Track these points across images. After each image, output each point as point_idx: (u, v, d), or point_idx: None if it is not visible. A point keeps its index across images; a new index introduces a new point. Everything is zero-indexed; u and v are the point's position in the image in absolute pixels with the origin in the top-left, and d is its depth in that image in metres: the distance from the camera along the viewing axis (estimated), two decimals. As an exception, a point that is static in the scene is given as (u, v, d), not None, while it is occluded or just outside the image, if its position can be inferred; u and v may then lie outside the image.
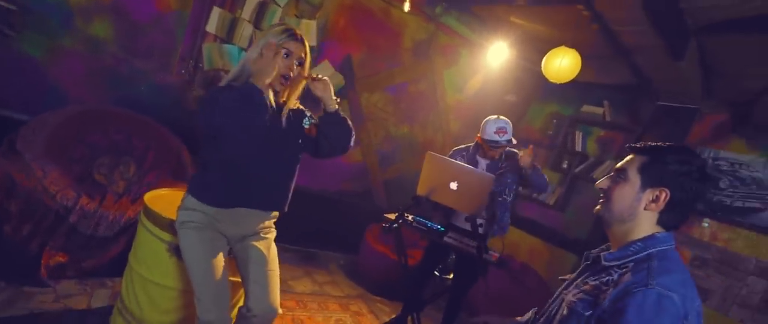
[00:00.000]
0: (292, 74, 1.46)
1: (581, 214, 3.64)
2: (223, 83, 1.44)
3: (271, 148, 1.50)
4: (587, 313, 0.94)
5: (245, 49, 3.11)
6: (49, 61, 2.57)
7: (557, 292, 1.13)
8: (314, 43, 3.35)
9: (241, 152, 1.45)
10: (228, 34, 3.04)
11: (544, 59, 2.66)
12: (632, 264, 0.95)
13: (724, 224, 2.82)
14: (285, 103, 1.54)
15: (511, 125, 2.39)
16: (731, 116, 2.84)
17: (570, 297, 1.02)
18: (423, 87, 3.98)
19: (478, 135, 2.52)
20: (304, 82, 1.53)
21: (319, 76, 1.49)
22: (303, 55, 1.49)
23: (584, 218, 3.60)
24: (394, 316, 2.76)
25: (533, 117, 4.20)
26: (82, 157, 2.44)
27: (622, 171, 1.04)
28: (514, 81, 4.05)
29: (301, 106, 1.62)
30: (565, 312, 1.00)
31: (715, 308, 2.76)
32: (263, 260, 1.56)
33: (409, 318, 2.53)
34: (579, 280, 1.06)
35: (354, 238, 3.71)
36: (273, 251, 1.62)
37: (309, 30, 3.31)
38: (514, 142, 2.41)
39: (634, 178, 1.01)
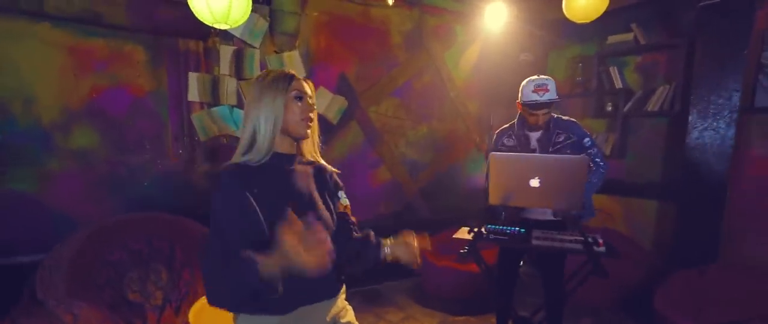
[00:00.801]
0: (311, 115, 1.23)
1: (645, 155, 3.24)
2: (235, 161, 1.17)
3: (310, 220, 1.19)
4: None
5: (235, 106, 2.86)
6: (42, 190, 2.37)
7: None
8: (303, 74, 3.08)
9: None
10: (213, 96, 2.79)
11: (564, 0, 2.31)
12: None
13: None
14: (312, 159, 1.32)
15: (553, 82, 2.10)
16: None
17: None
18: (427, 79, 3.66)
19: (518, 102, 2.22)
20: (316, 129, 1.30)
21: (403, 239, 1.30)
22: (311, 94, 1.24)
23: (648, 159, 3.21)
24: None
25: (554, 68, 3.82)
26: (108, 280, 2.21)
27: None
28: (524, 37, 3.68)
29: (328, 166, 1.36)
30: None
31: None
32: None
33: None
34: None
35: (411, 259, 3.41)
36: None
37: (293, 62, 3.05)
38: (558, 99, 2.10)
39: None
